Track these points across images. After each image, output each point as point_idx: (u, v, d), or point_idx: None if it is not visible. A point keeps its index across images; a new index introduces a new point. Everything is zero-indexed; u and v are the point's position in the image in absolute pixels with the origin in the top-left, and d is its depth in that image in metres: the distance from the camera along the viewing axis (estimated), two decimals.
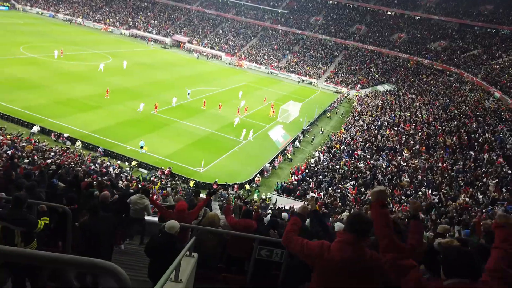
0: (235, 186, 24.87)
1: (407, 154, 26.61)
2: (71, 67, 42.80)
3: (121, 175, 22.04)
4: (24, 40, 50.86)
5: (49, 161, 18.64)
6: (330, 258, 2.91)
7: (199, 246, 5.98)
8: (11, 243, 4.80)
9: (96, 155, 25.42)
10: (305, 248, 3.11)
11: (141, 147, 26.97)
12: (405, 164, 24.65)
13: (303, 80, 63.55)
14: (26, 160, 18.27)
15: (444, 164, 22.47)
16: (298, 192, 23.76)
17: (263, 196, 23.89)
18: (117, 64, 47.78)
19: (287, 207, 17.93)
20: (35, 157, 19.35)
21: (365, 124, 37.70)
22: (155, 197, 13.69)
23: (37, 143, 23.78)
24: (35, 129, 26.93)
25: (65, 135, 26.76)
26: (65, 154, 23.47)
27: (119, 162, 25.34)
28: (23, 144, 22.45)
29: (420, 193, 19.09)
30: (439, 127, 31.00)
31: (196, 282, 5.62)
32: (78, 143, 26.30)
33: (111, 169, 22.31)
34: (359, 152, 29.16)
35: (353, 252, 2.88)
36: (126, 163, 25.54)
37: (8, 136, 23.56)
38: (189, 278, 4.39)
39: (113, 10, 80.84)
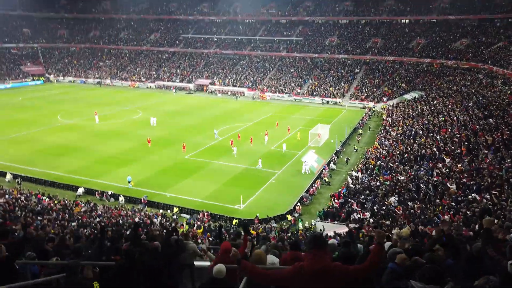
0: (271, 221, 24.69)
1: (448, 160, 25.62)
2: (105, 126, 45.08)
3: (166, 223, 22.47)
4: (60, 108, 54.45)
5: (97, 219, 19.36)
6: (307, 273, 3.73)
7: (252, 285, 5.98)
8: None
9: (140, 207, 26.15)
10: (284, 275, 3.95)
11: (129, 182, 28.95)
12: (448, 170, 23.69)
13: (327, 102, 63.55)
14: (74, 224, 19.09)
15: (490, 165, 21.41)
16: (343, 214, 23.25)
17: (306, 224, 23.53)
18: (147, 117, 49.93)
19: (330, 233, 17.54)
20: (84, 219, 20.15)
21: (398, 136, 36.86)
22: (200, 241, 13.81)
23: (83, 204, 24.89)
24: (80, 191, 28.22)
25: (109, 192, 27.86)
26: (110, 210, 24.38)
27: (161, 210, 25.94)
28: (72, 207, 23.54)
29: (470, 197, 18.18)
30: (477, 126, 29.81)
31: None
32: (121, 198, 27.25)
33: (154, 219, 22.84)
34: (396, 164, 28.38)
35: (322, 263, 3.73)
36: (168, 211, 26.09)
37: (56, 202, 24.84)
38: None
39: (137, 67, 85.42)
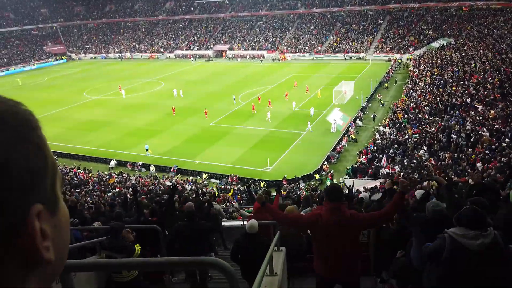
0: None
1: (481, 107, 24.58)
2: (130, 99, 45.73)
3: (198, 190, 23.09)
4: (85, 85, 55.51)
5: (131, 189, 20.06)
6: (324, 223, 3.97)
7: (285, 240, 6.11)
8: (116, 271, 5.18)
9: (170, 175, 26.93)
10: (301, 220, 4.41)
11: (146, 150, 29.78)
12: (481, 117, 22.79)
13: (350, 57, 61.57)
14: (109, 194, 19.94)
15: None
16: (371, 171, 23.08)
17: (335, 182, 23.56)
18: (169, 87, 50.19)
19: (361, 189, 17.51)
20: (117, 189, 20.97)
21: (427, 86, 35.51)
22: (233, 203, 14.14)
23: (116, 175, 25.86)
24: (112, 163, 29.24)
25: (139, 163, 28.71)
26: (142, 180, 25.24)
27: (191, 177, 26.61)
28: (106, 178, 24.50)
29: (504, 144, 17.52)
30: (511, 70, 28.21)
31: (290, 274, 5.76)
32: (152, 168, 28.07)
33: (186, 186, 23.49)
34: (426, 116, 27.56)
35: (338, 214, 3.95)
36: (198, 177, 26.73)
37: (90, 174, 25.94)
38: (282, 271, 4.54)
39: (155, 38, 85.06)
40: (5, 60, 79.92)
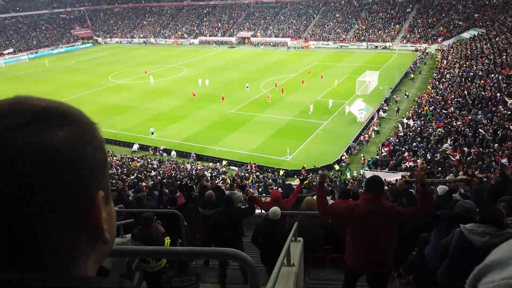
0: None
1: (511, 101, 23.70)
2: (154, 84, 46.28)
3: (217, 176, 23.39)
4: (111, 69, 56.50)
5: (153, 173, 20.53)
6: (360, 213, 4.00)
7: (302, 230, 6.18)
8: (145, 261, 5.29)
9: (190, 161, 27.33)
10: (338, 210, 4.48)
11: (152, 133, 30.66)
12: (510, 112, 22.00)
13: (376, 46, 60.20)
14: (132, 176, 20.43)
15: None
16: (392, 162, 22.76)
17: (355, 174, 23.38)
18: (192, 74, 50.49)
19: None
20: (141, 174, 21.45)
21: (455, 78, 34.43)
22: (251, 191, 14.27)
23: (139, 159, 26.44)
24: (135, 147, 29.87)
25: (161, 147, 29.23)
26: (162, 166, 25.74)
27: (211, 163, 26.93)
28: (130, 162, 25.09)
29: None
30: None
31: (306, 265, 5.84)
32: (173, 153, 28.53)
33: (206, 173, 23.80)
34: (452, 110, 26.82)
35: (375, 205, 3.99)
36: (218, 164, 27.02)
37: (114, 158, 26.59)
38: (299, 262, 4.61)
39: (179, 23, 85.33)
40: (34, 42, 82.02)
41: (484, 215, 3.32)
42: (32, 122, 0.57)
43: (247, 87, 41.20)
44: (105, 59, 66.69)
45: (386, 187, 10.87)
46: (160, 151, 29.07)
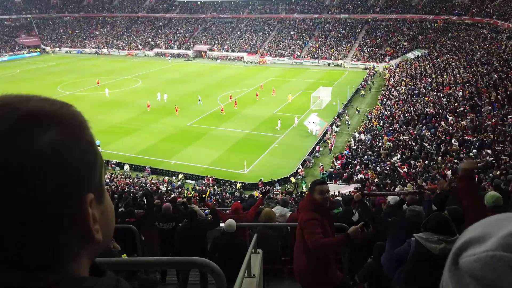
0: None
1: (451, 118, 25.56)
2: (106, 96, 44.72)
3: (173, 190, 22.89)
4: (59, 80, 53.90)
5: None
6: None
7: (261, 242, 6.20)
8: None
9: (144, 175, 26.55)
10: None
11: (98, 145, 29.14)
12: (451, 128, 23.70)
13: (329, 64, 62.61)
14: None
15: (494, 120, 21.39)
16: (346, 174, 23.55)
17: None
18: (146, 86, 49.51)
19: (336, 193, 17.87)
20: None
21: (401, 95, 36.57)
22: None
23: None
24: None
25: (113, 161, 28.15)
26: (115, 179, 24.76)
27: (167, 177, 26.33)
28: None
29: (471, 154, 18.32)
30: (481, 84, 29.48)
31: (265, 276, 5.84)
32: (126, 167, 27.59)
33: (161, 187, 23.22)
34: (399, 124, 28.38)
35: None
36: (173, 177, 26.48)
37: None
38: (259, 273, 4.61)
39: (134, 35, 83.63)
40: None
41: (438, 224, 3.53)
42: (14, 128, 0.55)
43: (199, 100, 41.03)
44: (53, 68, 63.60)
45: (339, 198, 11.21)
46: (113, 165, 27.98)
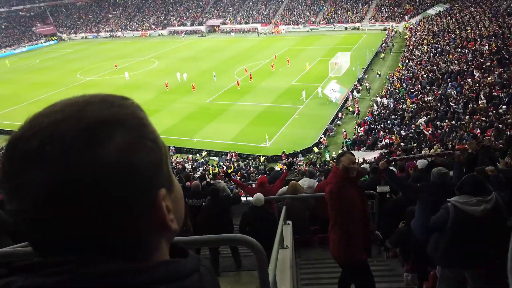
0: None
1: (478, 74, 24.55)
2: (124, 79, 45.15)
3: (198, 167, 23.29)
4: (78, 66, 54.67)
5: None
6: None
7: (289, 214, 6.29)
8: None
9: (170, 154, 27.05)
10: None
11: None
12: (478, 85, 22.80)
13: (345, 28, 60.68)
14: None
15: None
16: (369, 141, 23.28)
17: (334, 155, 23.76)
18: (163, 66, 49.59)
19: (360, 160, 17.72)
20: None
21: (424, 55, 35.26)
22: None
23: None
24: None
25: None
26: None
27: (190, 155, 26.77)
28: None
29: (500, 111, 17.64)
30: (508, 36, 28.00)
31: (296, 247, 5.96)
32: None
33: (186, 165, 23.66)
34: (423, 85, 27.53)
35: None
36: (197, 155, 26.88)
37: None
38: (291, 244, 4.71)
39: (146, 15, 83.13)
40: None
41: (475, 186, 3.47)
42: (78, 142, 0.55)
43: (214, 76, 40.87)
44: (72, 55, 64.40)
45: (367, 165, 11.14)
46: None
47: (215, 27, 72.95)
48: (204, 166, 23.61)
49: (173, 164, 23.97)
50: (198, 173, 19.25)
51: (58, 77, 49.64)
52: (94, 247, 0.58)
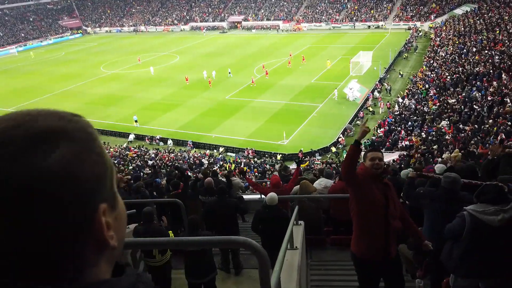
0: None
1: (505, 76, 23.76)
2: (147, 73, 45.77)
3: (215, 163, 23.43)
4: (102, 59, 55.77)
5: (150, 162, 20.53)
6: None
7: (302, 213, 6.25)
8: (149, 256, 5.31)
9: (187, 149, 27.33)
10: None
11: (135, 121, 31.07)
12: (504, 88, 22.06)
13: (369, 26, 59.73)
14: (130, 167, 20.42)
15: None
16: (388, 143, 22.90)
17: None
18: (184, 61, 50.03)
19: None
20: (138, 162, 21.41)
21: (448, 56, 34.36)
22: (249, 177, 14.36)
23: (137, 150, 26.39)
24: (131, 137, 29.78)
25: (157, 137, 29.16)
26: (160, 154, 25.72)
27: (208, 151, 26.96)
28: (126, 152, 25.02)
29: None
30: None
31: (308, 247, 5.92)
32: (170, 142, 28.49)
33: (204, 160, 23.83)
34: (446, 86, 26.84)
35: None
36: (215, 151, 27.05)
37: (112, 149, 26.53)
38: (302, 244, 4.67)
39: (169, 10, 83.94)
40: (22, 35, 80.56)
41: (497, 195, 3.36)
42: (24, 148, 0.56)
43: (229, 73, 40.90)
44: (96, 49, 65.75)
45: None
46: (156, 140, 29.01)
47: (236, 24, 73.01)
48: (221, 163, 23.74)
49: (191, 158, 24.19)
50: (215, 168, 19.38)
51: (82, 70, 50.79)
52: (25, 262, 0.56)
